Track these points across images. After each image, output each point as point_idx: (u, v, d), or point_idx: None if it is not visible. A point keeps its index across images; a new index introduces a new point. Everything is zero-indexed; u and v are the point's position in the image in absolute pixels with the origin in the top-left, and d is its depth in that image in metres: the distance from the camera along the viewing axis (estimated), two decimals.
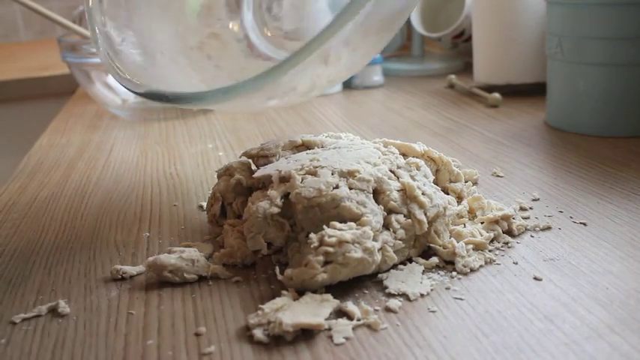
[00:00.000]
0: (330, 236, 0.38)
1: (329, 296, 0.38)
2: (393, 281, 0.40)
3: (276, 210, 0.42)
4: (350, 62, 0.49)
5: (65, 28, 0.86)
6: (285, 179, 0.44)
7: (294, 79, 0.45)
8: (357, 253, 0.38)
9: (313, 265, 0.38)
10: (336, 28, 0.41)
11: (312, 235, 0.39)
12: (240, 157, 0.52)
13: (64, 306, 0.40)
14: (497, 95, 0.84)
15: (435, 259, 0.42)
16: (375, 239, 0.39)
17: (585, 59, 0.66)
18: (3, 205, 0.59)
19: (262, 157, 0.50)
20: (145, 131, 0.84)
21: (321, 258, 0.38)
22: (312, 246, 0.38)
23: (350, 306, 0.37)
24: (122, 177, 0.65)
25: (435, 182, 0.48)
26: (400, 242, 0.42)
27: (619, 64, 0.65)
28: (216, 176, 0.51)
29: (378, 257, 0.39)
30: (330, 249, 0.38)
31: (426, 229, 0.42)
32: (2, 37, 1.86)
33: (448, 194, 0.50)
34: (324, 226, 0.39)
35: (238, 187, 0.48)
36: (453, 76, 0.98)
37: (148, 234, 0.50)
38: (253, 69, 0.61)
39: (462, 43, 1.07)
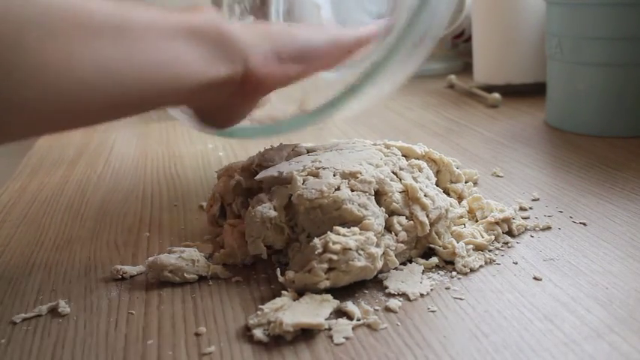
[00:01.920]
0: (334, 242, 0.38)
1: (329, 296, 0.38)
2: (393, 281, 0.40)
3: (273, 214, 0.42)
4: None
5: None
6: (286, 181, 0.44)
7: (350, 107, 0.47)
8: (360, 262, 0.38)
9: (317, 273, 0.38)
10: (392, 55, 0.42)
11: (315, 241, 0.39)
12: (238, 166, 0.51)
13: (64, 306, 0.40)
14: (497, 95, 0.84)
15: (434, 259, 0.42)
16: (377, 244, 0.40)
17: (585, 59, 0.66)
18: (3, 206, 0.59)
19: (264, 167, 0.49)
20: (145, 131, 0.84)
21: (325, 265, 0.38)
22: (316, 252, 0.38)
23: (350, 306, 0.37)
24: (122, 177, 0.65)
25: (436, 183, 0.48)
26: (402, 245, 0.42)
27: (618, 64, 0.65)
28: (216, 177, 0.51)
29: (380, 264, 0.39)
30: (334, 256, 0.38)
31: (427, 231, 0.42)
32: None
33: (449, 195, 0.50)
34: (328, 232, 0.39)
35: (238, 188, 0.48)
36: (453, 76, 0.98)
37: (148, 234, 0.50)
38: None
39: (461, 43, 1.07)
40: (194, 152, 0.72)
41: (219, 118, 0.43)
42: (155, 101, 0.37)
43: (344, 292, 0.39)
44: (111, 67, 0.32)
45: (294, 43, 0.41)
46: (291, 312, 0.36)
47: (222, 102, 0.40)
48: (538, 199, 0.52)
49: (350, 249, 0.38)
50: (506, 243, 0.44)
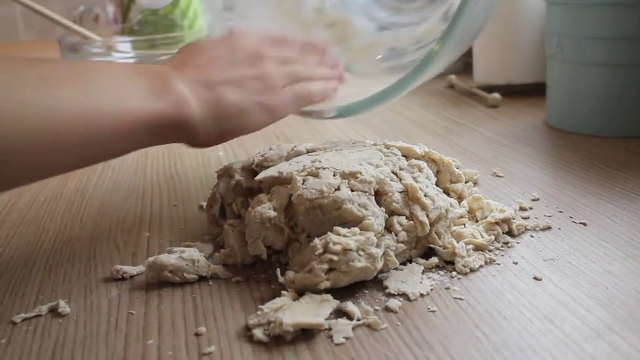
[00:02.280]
0: (334, 243, 0.38)
1: (329, 296, 0.38)
2: (393, 281, 0.40)
3: (273, 214, 0.42)
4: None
5: (65, 28, 0.86)
6: (286, 181, 0.44)
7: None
8: (360, 263, 0.38)
9: (317, 274, 0.38)
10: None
11: (316, 241, 0.39)
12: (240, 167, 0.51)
13: (64, 306, 0.40)
14: (497, 95, 0.84)
15: (434, 259, 0.42)
16: (377, 244, 0.40)
17: (585, 59, 0.66)
18: (3, 206, 0.59)
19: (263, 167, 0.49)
20: None
21: (325, 266, 0.38)
22: (316, 252, 0.38)
23: (350, 306, 0.37)
24: (122, 177, 0.65)
25: (436, 183, 0.48)
26: (402, 245, 0.42)
27: (619, 64, 0.65)
28: (216, 177, 0.51)
29: (380, 264, 0.39)
30: (335, 257, 0.38)
31: (427, 231, 0.42)
32: (2, 37, 1.86)
33: (449, 195, 0.50)
34: (329, 232, 0.39)
35: (238, 188, 0.48)
36: (453, 76, 0.98)
37: (148, 234, 0.50)
38: (384, 41, 0.62)
39: None
40: (194, 152, 0.72)
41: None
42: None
43: (344, 292, 0.39)
44: (69, 167, 0.41)
45: (236, 126, 0.46)
46: (291, 312, 0.36)
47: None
48: (538, 199, 0.52)
49: (350, 249, 0.38)
50: (506, 243, 0.44)
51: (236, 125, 0.46)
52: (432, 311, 0.37)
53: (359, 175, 0.43)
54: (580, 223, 0.47)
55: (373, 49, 0.64)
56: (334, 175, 0.43)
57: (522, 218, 0.48)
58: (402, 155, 0.48)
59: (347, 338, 0.35)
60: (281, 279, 0.39)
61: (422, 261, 0.42)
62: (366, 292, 0.39)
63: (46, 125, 0.36)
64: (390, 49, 0.64)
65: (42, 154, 0.36)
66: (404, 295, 0.38)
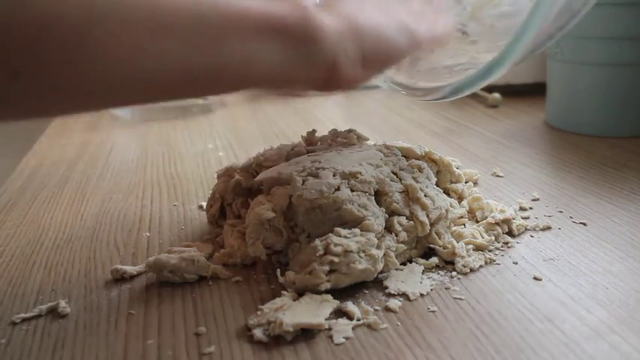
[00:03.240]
0: (335, 244, 0.38)
1: (329, 296, 0.38)
2: (393, 281, 0.40)
3: (271, 215, 0.42)
4: None
5: None
6: (286, 182, 0.44)
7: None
8: (361, 264, 0.38)
9: (318, 275, 0.38)
10: None
11: (317, 242, 0.39)
12: (238, 170, 0.50)
13: (64, 306, 0.40)
14: (497, 95, 0.84)
15: (434, 259, 0.42)
16: (378, 245, 0.40)
17: (585, 59, 0.66)
18: (3, 205, 0.59)
19: (263, 167, 0.49)
20: (145, 131, 0.84)
21: (326, 267, 0.38)
22: (317, 254, 0.38)
23: (350, 306, 0.37)
24: (122, 177, 0.65)
25: (436, 183, 0.48)
26: (402, 245, 0.42)
27: (619, 64, 0.65)
28: (216, 177, 0.51)
29: (381, 265, 0.39)
30: (335, 258, 0.38)
31: (427, 231, 0.42)
32: None
33: (449, 195, 0.50)
34: (330, 233, 0.39)
35: (238, 188, 0.48)
36: None
37: (148, 234, 0.50)
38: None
39: None
40: (194, 152, 0.72)
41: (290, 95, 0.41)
42: (223, 91, 0.37)
43: (344, 292, 0.39)
44: (177, 62, 0.31)
45: (380, 46, 0.39)
46: (291, 312, 0.36)
47: (297, 91, 0.40)
48: (538, 199, 0.52)
49: (351, 251, 0.38)
50: (506, 243, 0.44)
51: (380, 47, 0.38)
52: (432, 311, 0.37)
53: (359, 176, 0.43)
54: (580, 223, 0.47)
55: (493, 3, 0.55)
56: (334, 176, 0.43)
57: (522, 218, 0.48)
58: (402, 155, 0.48)
59: (347, 338, 0.35)
60: (281, 279, 0.39)
61: (422, 261, 0.42)
62: (366, 292, 0.39)
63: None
64: (510, 4, 0.54)
65: (143, 37, 0.30)
66: (404, 295, 0.38)
